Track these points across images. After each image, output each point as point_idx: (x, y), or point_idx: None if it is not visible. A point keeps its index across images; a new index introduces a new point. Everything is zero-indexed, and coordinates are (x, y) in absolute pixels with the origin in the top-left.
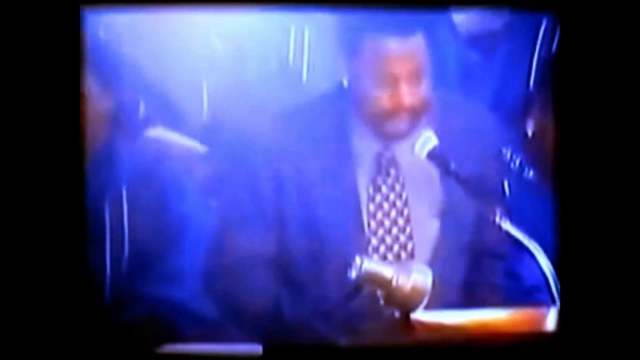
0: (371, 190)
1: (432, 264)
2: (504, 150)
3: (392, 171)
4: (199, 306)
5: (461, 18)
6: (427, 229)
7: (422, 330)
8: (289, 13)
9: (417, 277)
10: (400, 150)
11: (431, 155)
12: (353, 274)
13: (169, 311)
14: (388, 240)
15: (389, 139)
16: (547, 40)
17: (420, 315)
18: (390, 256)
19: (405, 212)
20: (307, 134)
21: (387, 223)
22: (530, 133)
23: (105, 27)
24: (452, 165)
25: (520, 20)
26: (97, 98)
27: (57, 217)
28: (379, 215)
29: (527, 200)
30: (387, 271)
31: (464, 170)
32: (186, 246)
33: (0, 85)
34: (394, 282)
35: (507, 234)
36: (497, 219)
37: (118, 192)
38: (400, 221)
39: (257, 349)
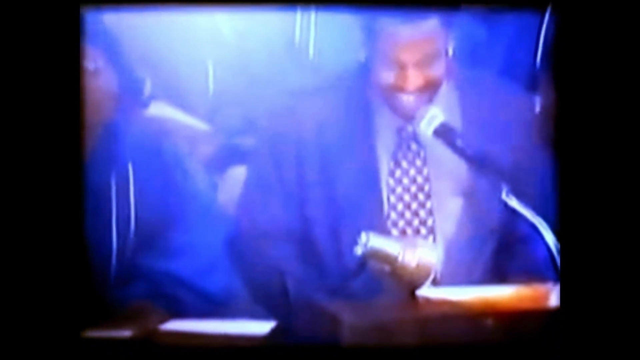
0: (392, 164)
1: (451, 243)
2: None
3: (414, 146)
4: (204, 282)
5: None
6: (448, 206)
7: (429, 306)
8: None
9: (423, 253)
10: (424, 126)
11: (437, 133)
12: (359, 250)
13: (173, 287)
14: (408, 215)
15: (406, 116)
16: (554, 19)
17: (426, 291)
18: (409, 230)
19: (426, 187)
20: (328, 110)
21: (407, 198)
22: (537, 110)
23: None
24: (458, 142)
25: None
26: (102, 74)
27: (57, 197)
28: (399, 189)
29: (534, 177)
30: (393, 247)
31: (471, 146)
32: (192, 221)
33: (0, 85)
34: (399, 259)
35: (513, 210)
36: (504, 196)
37: (124, 168)
38: (421, 196)
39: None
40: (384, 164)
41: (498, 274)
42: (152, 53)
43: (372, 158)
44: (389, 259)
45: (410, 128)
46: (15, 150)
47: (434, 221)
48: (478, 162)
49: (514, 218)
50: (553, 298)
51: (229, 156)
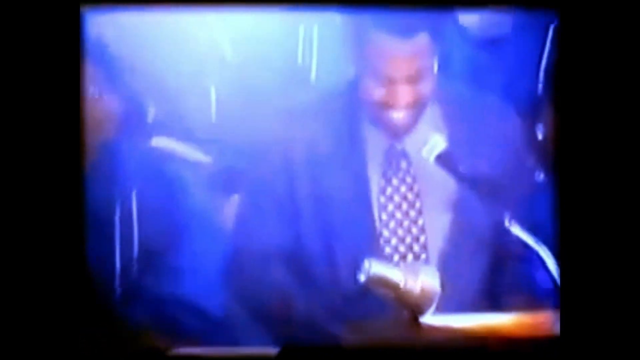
0: (382, 182)
1: (444, 258)
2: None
3: (403, 164)
4: (205, 303)
5: (469, 20)
6: (439, 222)
7: (432, 333)
8: (298, 12)
9: (426, 280)
10: (411, 144)
11: (439, 159)
12: (362, 277)
13: (175, 308)
14: (400, 232)
15: (395, 133)
16: (556, 43)
17: (429, 318)
18: (402, 248)
19: (417, 204)
20: (319, 129)
21: (398, 215)
22: (540, 136)
23: (111, 27)
24: (461, 168)
25: (529, 24)
26: (105, 99)
27: (58, 217)
28: (390, 207)
29: (538, 203)
30: (395, 274)
31: (474, 172)
32: (194, 243)
33: (0, 85)
34: (402, 286)
35: (517, 237)
36: (507, 223)
37: (127, 189)
38: (412, 213)
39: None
40: (375, 182)
41: (494, 296)
42: (153, 75)
43: (363, 177)
44: (392, 286)
45: (399, 146)
46: (13, 158)
47: (426, 238)
48: (481, 189)
49: (514, 243)
50: (555, 326)
51: (232, 179)
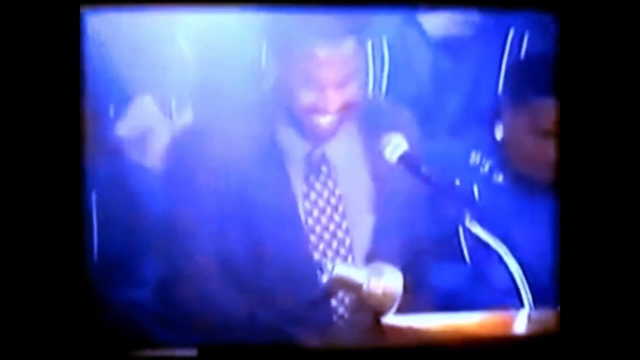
0: (305, 188)
1: (369, 260)
2: (473, 154)
3: (324, 168)
4: (170, 310)
5: (430, 22)
6: (363, 224)
7: (393, 333)
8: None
9: (389, 281)
10: (330, 148)
11: (402, 160)
12: (324, 278)
13: (139, 315)
14: (326, 236)
15: (319, 137)
16: (516, 45)
17: (390, 319)
18: (330, 253)
19: (340, 208)
20: (240, 138)
21: (323, 220)
22: (499, 137)
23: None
24: (423, 169)
25: (490, 26)
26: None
27: (58, 216)
28: (315, 212)
29: (496, 203)
30: (358, 275)
31: (434, 174)
32: (153, 251)
33: (0, 85)
34: (365, 287)
35: (477, 237)
36: (467, 222)
37: (88, 196)
38: (336, 217)
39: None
40: (298, 189)
41: (449, 297)
42: (118, 76)
43: (285, 183)
44: (355, 287)
45: (319, 151)
46: (13, 158)
47: (351, 240)
48: (442, 189)
49: (474, 242)
50: (518, 324)
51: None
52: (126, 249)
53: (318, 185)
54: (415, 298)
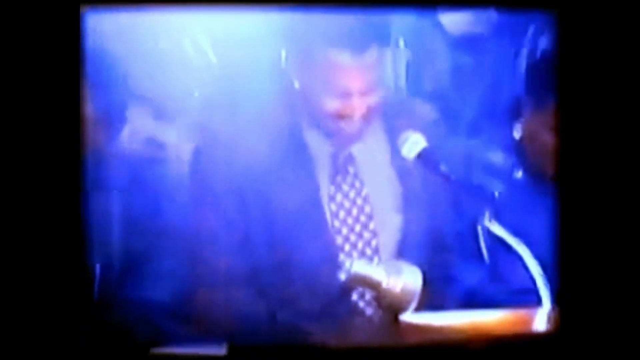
0: (332, 189)
1: (397, 259)
2: (492, 152)
3: (351, 169)
4: (186, 309)
5: (450, 20)
6: (390, 224)
7: (411, 331)
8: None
9: (407, 278)
10: (356, 148)
11: (420, 157)
12: (342, 276)
13: (156, 315)
14: (352, 238)
15: (345, 141)
16: (536, 43)
17: (409, 316)
18: (355, 254)
19: (367, 208)
20: (264, 139)
21: (350, 221)
22: (518, 136)
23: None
24: (442, 167)
25: (509, 23)
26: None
27: (58, 217)
28: (342, 214)
29: (516, 202)
30: (377, 273)
31: (454, 171)
32: (173, 251)
33: (0, 85)
34: (384, 284)
35: (495, 235)
36: (486, 221)
37: (107, 195)
38: (363, 218)
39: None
40: (324, 190)
41: (472, 294)
42: (135, 78)
43: (312, 184)
44: (373, 285)
45: (345, 152)
46: (12, 158)
47: (377, 241)
48: (462, 186)
49: (494, 242)
50: (537, 323)
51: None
52: (149, 251)
53: (345, 187)
54: (435, 296)
